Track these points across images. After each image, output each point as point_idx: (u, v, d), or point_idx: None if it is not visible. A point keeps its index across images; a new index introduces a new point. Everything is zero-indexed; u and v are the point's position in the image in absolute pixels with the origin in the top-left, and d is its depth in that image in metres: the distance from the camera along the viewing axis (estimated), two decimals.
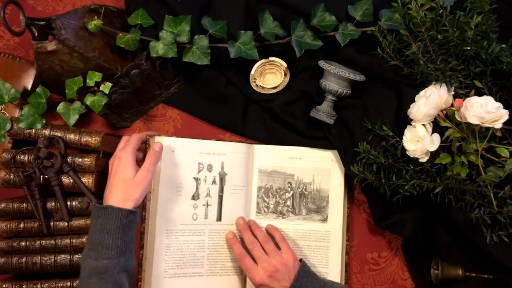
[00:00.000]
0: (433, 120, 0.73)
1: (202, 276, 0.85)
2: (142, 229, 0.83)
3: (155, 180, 0.83)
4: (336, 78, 0.82)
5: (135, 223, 0.73)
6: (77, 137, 0.84)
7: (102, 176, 0.86)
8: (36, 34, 0.77)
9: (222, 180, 0.88)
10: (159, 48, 0.80)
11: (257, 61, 0.86)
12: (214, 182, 0.87)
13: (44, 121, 0.84)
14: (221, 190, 0.87)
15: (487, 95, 0.70)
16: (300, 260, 0.80)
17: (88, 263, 0.69)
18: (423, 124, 0.73)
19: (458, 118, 0.71)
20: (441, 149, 0.72)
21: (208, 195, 0.87)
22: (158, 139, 0.85)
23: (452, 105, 0.72)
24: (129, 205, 0.72)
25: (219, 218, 0.87)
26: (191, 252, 0.85)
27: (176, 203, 0.85)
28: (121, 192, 0.72)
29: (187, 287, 0.84)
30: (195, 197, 0.86)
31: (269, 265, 0.77)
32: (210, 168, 0.87)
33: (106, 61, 0.82)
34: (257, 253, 0.79)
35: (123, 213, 0.70)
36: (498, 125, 0.67)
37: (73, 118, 0.83)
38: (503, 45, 0.73)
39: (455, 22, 0.73)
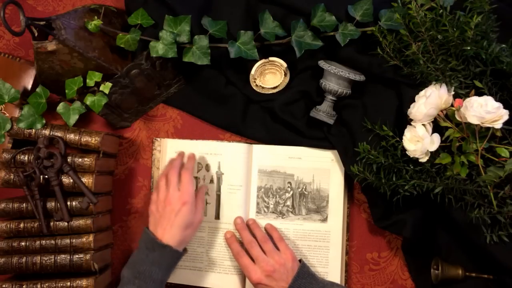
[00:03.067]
0: (433, 120, 0.73)
1: (201, 271, 0.88)
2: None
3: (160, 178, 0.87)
4: (336, 78, 0.82)
5: None
6: (77, 137, 0.84)
7: (102, 176, 0.86)
8: (36, 34, 0.77)
9: (219, 179, 0.89)
10: (159, 48, 0.80)
11: (257, 61, 0.86)
12: (211, 181, 0.89)
13: (44, 121, 0.84)
14: (219, 189, 0.89)
15: (487, 95, 0.70)
16: (300, 260, 0.80)
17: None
18: (423, 124, 0.73)
19: (458, 118, 0.71)
20: (441, 149, 0.72)
21: (206, 193, 0.89)
22: (162, 141, 0.91)
23: (452, 105, 0.72)
24: (182, 247, 0.78)
25: (217, 217, 0.88)
26: (192, 246, 0.88)
27: None
28: (180, 235, 0.76)
29: (188, 279, 0.88)
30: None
31: (267, 264, 0.77)
32: (208, 168, 0.89)
33: (106, 61, 0.82)
34: (255, 253, 0.79)
35: (178, 255, 0.77)
36: (498, 125, 0.67)
37: (73, 118, 0.83)
38: (503, 45, 0.73)
39: (455, 22, 0.73)
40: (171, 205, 0.77)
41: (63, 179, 0.82)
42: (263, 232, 0.84)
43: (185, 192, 0.77)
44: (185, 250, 0.80)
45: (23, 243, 0.82)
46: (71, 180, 0.82)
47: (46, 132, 0.84)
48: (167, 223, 0.76)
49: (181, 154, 0.87)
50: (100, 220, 0.86)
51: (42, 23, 0.76)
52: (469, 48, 0.72)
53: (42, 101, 0.83)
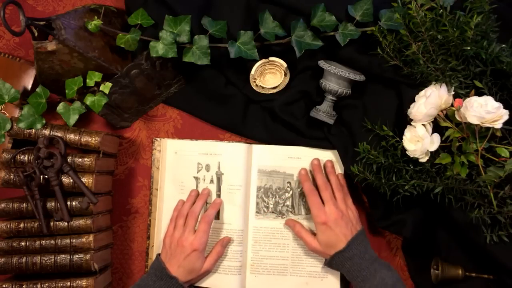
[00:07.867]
0: (433, 120, 0.73)
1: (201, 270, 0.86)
2: (149, 221, 0.90)
3: (161, 179, 0.90)
4: (336, 78, 0.82)
5: None
6: (77, 137, 0.84)
7: (102, 176, 0.86)
8: (36, 34, 0.77)
9: (219, 179, 0.89)
10: (159, 48, 0.80)
11: (257, 61, 0.86)
12: (212, 181, 0.89)
13: (44, 121, 0.84)
14: (219, 189, 0.89)
15: (487, 95, 0.70)
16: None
17: None
18: (423, 124, 0.73)
19: (458, 118, 0.71)
20: (441, 149, 0.72)
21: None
22: (162, 141, 0.91)
23: (452, 105, 0.72)
24: (187, 284, 0.81)
25: (217, 217, 0.88)
26: None
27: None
28: (186, 275, 0.80)
29: None
30: None
31: (337, 209, 0.79)
32: (208, 168, 0.89)
33: (106, 61, 0.82)
34: (327, 195, 0.81)
35: None
36: (498, 125, 0.67)
37: (73, 118, 0.83)
38: (503, 45, 0.73)
39: (455, 22, 0.73)
40: (182, 247, 0.80)
41: (63, 179, 0.82)
42: (338, 180, 0.85)
43: (197, 238, 0.80)
44: (190, 286, 0.83)
45: (23, 243, 0.82)
46: (71, 180, 0.82)
47: (46, 132, 0.84)
48: (175, 262, 0.80)
49: (205, 194, 0.87)
50: (100, 220, 0.86)
51: (42, 23, 0.76)
52: (469, 48, 0.72)
53: (42, 101, 0.83)
